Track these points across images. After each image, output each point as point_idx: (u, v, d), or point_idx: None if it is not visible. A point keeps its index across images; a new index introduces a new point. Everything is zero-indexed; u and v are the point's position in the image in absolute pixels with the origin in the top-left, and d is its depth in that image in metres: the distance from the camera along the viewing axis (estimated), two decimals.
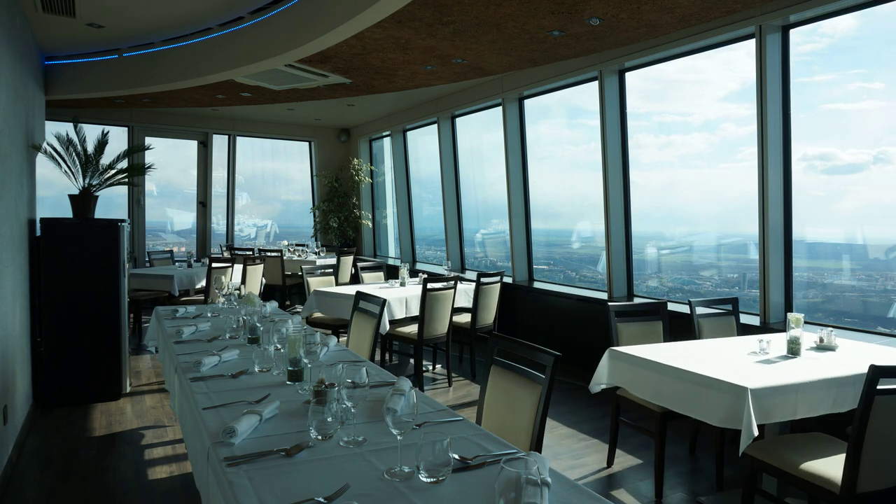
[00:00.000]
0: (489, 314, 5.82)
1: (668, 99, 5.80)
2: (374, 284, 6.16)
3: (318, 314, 5.76)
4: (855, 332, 4.01)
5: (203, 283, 6.99)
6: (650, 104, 5.84)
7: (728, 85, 5.32)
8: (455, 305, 5.45)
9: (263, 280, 7.28)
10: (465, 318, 5.84)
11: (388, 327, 5.18)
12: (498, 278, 5.82)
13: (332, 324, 5.65)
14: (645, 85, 5.75)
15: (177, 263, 8.02)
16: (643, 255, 5.90)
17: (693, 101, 5.62)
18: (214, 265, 6.55)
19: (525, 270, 7.04)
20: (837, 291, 4.53)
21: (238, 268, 6.98)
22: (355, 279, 7.12)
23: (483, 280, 5.61)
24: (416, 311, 5.35)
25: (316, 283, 6.30)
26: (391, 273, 7.66)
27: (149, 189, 9.55)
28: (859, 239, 4.44)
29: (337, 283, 6.95)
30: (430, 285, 5.04)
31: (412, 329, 5.22)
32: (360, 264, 6.71)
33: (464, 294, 5.94)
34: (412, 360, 6.07)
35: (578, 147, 6.88)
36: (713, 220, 5.51)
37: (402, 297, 5.39)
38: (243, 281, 6.80)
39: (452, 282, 5.26)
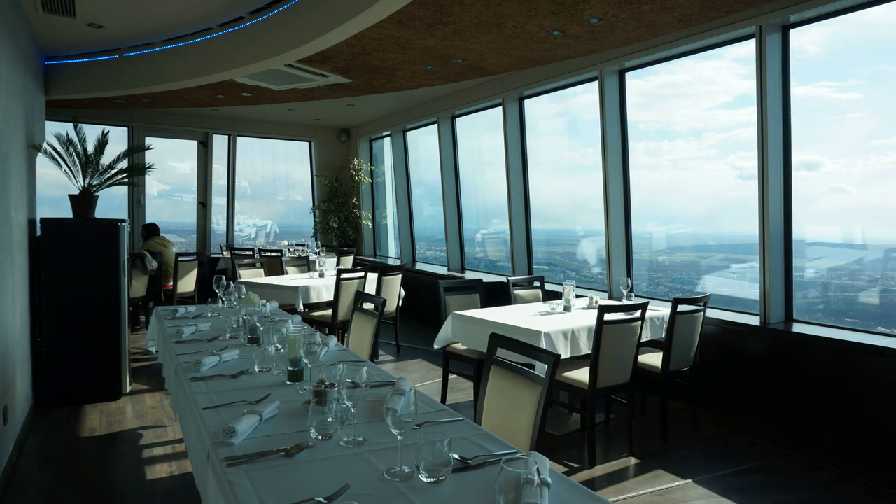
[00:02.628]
0: (688, 352, 4.21)
1: (653, 109, 5.81)
2: (527, 306, 4.80)
3: (457, 344, 4.55)
4: (855, 333, 4.01)
5: (331, 295, 6.02)
6: (639, 113, 5.83)
7: (721, 96, 5.33)
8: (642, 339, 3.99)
9: (402, 291, 6.73)
10: (651, 358, 4.26)
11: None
12: (700, 306, 4.19)
13: (477, 358, 4.38)
14: (640, 95, 5.77)
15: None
16: (641, 254, 5.90)
17: (681, 111, 5.63)
18: (345, 276, 5.87)
19: (525, 271, 7.03)
20: (838, 291, 4.53)
21: (372, 277, 6.32)
22: (491, 298, 5.79)
23: (684, 308, 4.07)
24: (584, 347, 4.00)
25: (456, 305, 5.02)
26: (550, 295, 5.52)
27: (149, 189, 9.55)
28: (859, 239, 4.45)
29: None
30: (607, 316, 3.64)
31: (581, 375, 3.80)
32: (512, 280, 5.34)
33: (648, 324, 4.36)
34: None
35: (577, 151, 6.89)
36: (707, 219, 5.52)
37: (565, 331, 3.93)
38: (378, 292, 6.20)
39: (637, 311, 3.77)
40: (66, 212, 4.84)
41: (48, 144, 4.84)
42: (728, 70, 5.28)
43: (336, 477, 1.58)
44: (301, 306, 5.83)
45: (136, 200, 9.29)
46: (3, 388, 3.47)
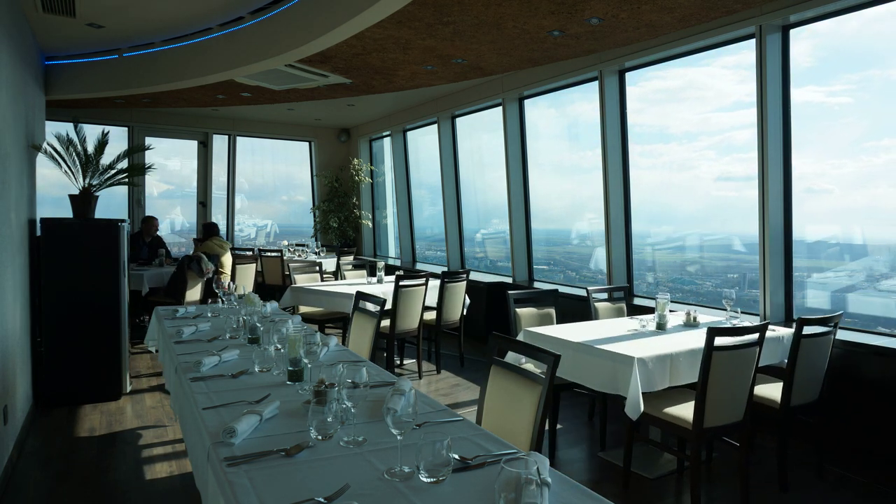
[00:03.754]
0: (814, 383, 3.52)
1: (647, 112, 5.82)
2: (611, 323, 4.13)
3: (529, 365, 3.88)
4: (855, 332, 4.02)
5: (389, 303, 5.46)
6: (633, 116, 5.83)
7: (720, 99, 5.34)
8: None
9: (467, 299, 6.14)
10: (766, 389, 3.55)
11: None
12: (831, 327, 3.49)
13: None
14: (637, 100, 5.77)
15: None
16: (642, 254, 5.91)
17: (675, 115, 5.64)
18: (404, 283, 5.38)
19: (525, 270, 7.04)
20: (837, 291, 4.54)
21: (434, 284, 5.77)
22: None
23: (812, 331, 3.37)
24: None
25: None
26: (636, 309, 5.03)
27: (149, 189, 9.55)
28: (859, 239, 4.45)
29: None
30: (718, 341, 2.97)
31: (683, 412, 3.14)
32: (593, 292, 4.69)
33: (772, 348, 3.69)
34: None
35: (576, 153, 6.89)
36: (704, 220, 5.53)
37: (662, 356, 3.26)
38: (441, 300, 5.70)
39: (755, 334, 3.07)
40: (66, 212, 4.84)
41: (48, 144, 4.84)
42: (721, 76, 5.30)
43: (336, 477, 1.58)
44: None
45: (137, 200, 9.29)
46: (3, 388, 3.46)
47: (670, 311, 4.05)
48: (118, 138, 8.99)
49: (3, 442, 3.38)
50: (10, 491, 3.29)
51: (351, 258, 9.02)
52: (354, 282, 6.24)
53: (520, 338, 3.72)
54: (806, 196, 4.47)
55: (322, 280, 6.77)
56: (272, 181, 11.14)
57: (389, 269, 7.45)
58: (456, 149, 8.23)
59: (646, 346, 3.32)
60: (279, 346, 2.82)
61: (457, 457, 1.68)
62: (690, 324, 3.95)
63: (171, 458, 3.71)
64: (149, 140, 9.06)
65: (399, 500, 1.47)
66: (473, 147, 8.23)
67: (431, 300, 5.72)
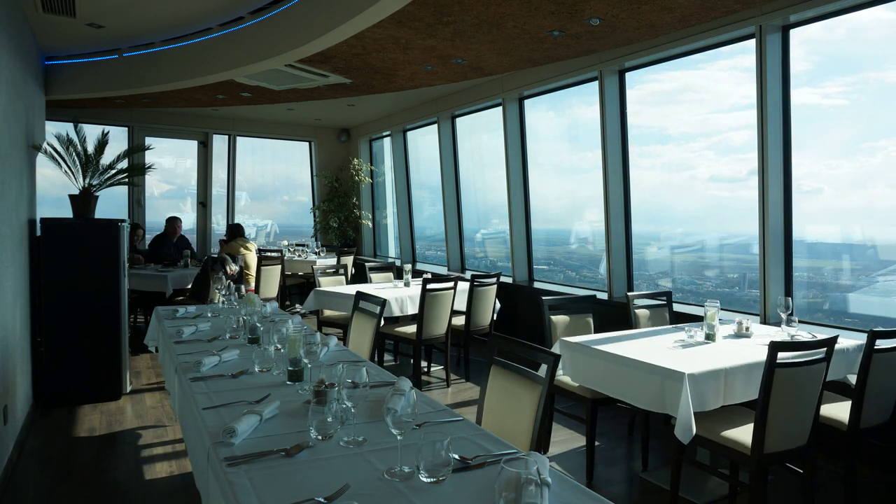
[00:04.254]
0: (886, 402, 3.18)
1: (643, 115, 5.84)
2: (654, 333, 3.82)
3: (565, 377, 3.63)
4: (854, 332, 4.01)
5: (416, 308, 5.25)
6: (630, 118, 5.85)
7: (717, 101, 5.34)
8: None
9: (497, 304, 5.86)
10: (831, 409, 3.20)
11: None
12: None
13: (591, 398, 3.67)
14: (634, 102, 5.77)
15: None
16: (642, 254, 5.91)
17: (672, 117, 5.66)
18: (432, 287, 5.06)
19: (525, 270, 7.04)
20: (837, 291, 4.54)
21: (463, 287, 5.47)
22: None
23: (886, 344, 3.04)
24: None
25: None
26: (679, 317, 4.60)
27: (149, 189, 9.55)
28: (859, 239, 4.45)
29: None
30: (781, 356, 2.67)
31: (740, 435, 2.85)
32: (633, 297, 4.32)
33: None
34: None
35: (576, 155, 6.89)
36: (708, 221, 5.54)
37: (715, 371, 2.94)
38: (470, 304, 5.43)
39: (822, 349, 2.78)
40: (66, 212, 4.84)
41: (48, 144, 4.84)
42: (717, 79, 5.31)
43: (336, 477, 1.58)
44: (381, 319, 5.32)
45: (137, 200, 9.29)
46: (3, 388, 3.46)
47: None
48: (118, 138, 8.99)
49: (3, 442, 3.38)
50: (10, 491, 3.29)
51: (350, 258, 9.03)
52: (381, 285, 6.03)
53: (555, 349, 3.45)
54: (803, 197, 4.48)
55: (347, 283, 6.49)
56: (272, 181, 11.14)
57: (414, 272, 7.10)
58: (456, 149, 8.23)
59: (696, 359, 3.01)
60: (279, 346, 2.82)
61: (457, 457, 1.68)
62: (742, 334, 3.62)
63: (171, 458, 3.71)
64: (149, 140, 9.06)
65: (399, 500, 1.47)
66: (473, 147, 8.23)
67: (459, 304, 5.45)
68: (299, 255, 9.04)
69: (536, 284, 6.71)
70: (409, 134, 9.45)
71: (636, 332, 3.80)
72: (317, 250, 9.42)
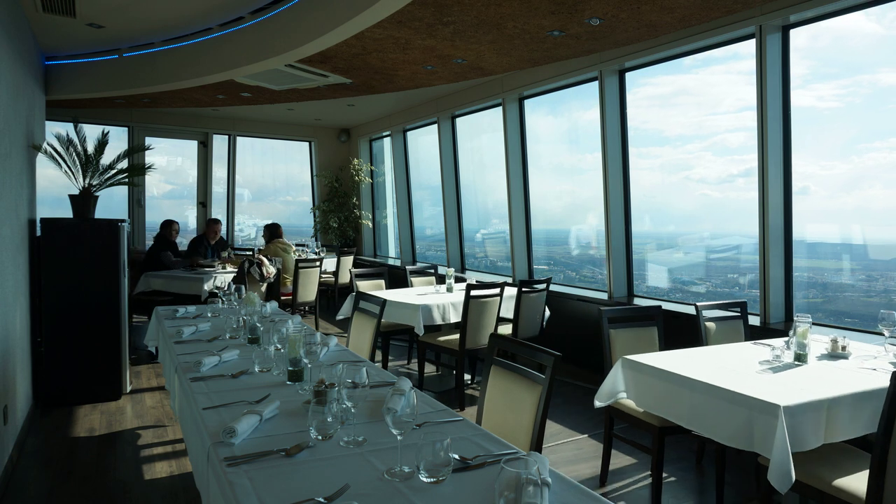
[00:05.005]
0: None
1: (639, 118, 5.86)
2: (729, 351, 3.30)
3: (627, 400, 3.16)
4: (855, 333, 4.01)
5: (459, 315, 4.85)
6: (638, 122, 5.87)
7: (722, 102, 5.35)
8: None
9: (547, 311, 5.46)
10: None
11: None
12: None
13: (658, 426, 3.17)
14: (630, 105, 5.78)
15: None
16: (641, 254, 5.91)
17: (671, 119, 5.68)
18: (476, 294, 4.67)
19: (525, 270, 7.04)
20: (838, 291, 4.54)
21: (510, 293, 5.12)
22: None
23: None
24: None
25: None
26: (755, 332, 4.27)
27: (149, 189, 9.55)
28: (859, 239, 4.45)
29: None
30: None
31: (853, 483, 2.34)
32: (703, 309, 3.79)
33: None
34: None
35: (576, 156, 6.90)
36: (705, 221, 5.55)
37: (817, 403, 2.48)
38: (517, 312, 4.98)
39: None
40: (66, 212, 4.84)
41: (48, 144, 4.84)
42: (714, 83, 5.33)
43: (336, 477, 1.58)
44: (421, 328, 4.70)
45: (137, 200, 9.29)
46: (3, 388, 3.47)
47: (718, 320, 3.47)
48: (118, 138, 8.99)
49: (3, 442, 3.38)
50: (10, 491, 3.29)
51: (350, 258, 9.03)
52: (422, 290, 5.66)
53: (616, 368, 3.06)
54: (798, 197, 4.50)
55: (387, 287, 6.04)
56: (272, 181, 11.14)
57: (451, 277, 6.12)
58: (456, 149, 8.23)
59: (790, 387, 2.54)
60: (279, 346, 2.82)
61: (457, 457, 1.68)
62: (837, 354, 3.08)
63: (171, 458, 3.71)
64: (149, 140, 9.06)
65: (399, 500, 1.47)
66: (473, 147, 8.23)
67: (506, 311, 5.09)
68: (299, 256, 9.05)
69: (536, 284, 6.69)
70: (409, 134, 9.45)
71: (709, 350, 3.26)
72: (317, 250, 9.42)
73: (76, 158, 4.82)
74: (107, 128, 5.14)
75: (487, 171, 8.06)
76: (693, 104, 5.57)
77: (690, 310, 4.45)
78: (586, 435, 4.20)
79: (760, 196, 4.41)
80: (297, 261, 7.06)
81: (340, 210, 10.21)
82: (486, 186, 8.18)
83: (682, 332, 4.33)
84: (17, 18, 4.73)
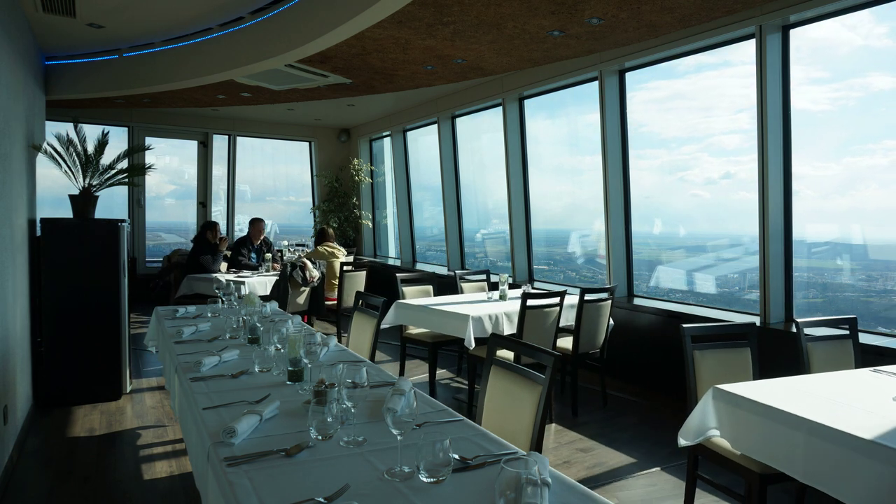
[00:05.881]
0: None
1: (636, 119, 5.88)
2: (842, 381, 2.68)
3: (721, 439, 2.60)
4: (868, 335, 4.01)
5: (514, 327, 4.42)
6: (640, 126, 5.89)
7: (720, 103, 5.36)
8: None
9: (611, 321, 4.86)
10: None
11: None
12: None
13: (759, 472, 2.53)
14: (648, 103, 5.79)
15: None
16: (641, 254, 5.91)
17: (668, 121, 5.70)
18: (534, 303, 4.25)
19: (525, 270, 7.04)
20: (837, 291, 4.54)
21: (570, 301, 4.66)
22: None
23: None
24: None
25: None
26: (868, 355, 3.52)
27: (149, 189, 9.55)
28: (858, 239, 4.46)
29: None
30: None
31: None
32: (803, 325, 3.23)
33: None
34: None
35: (577, 157, 6.90)
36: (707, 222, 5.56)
37: None
38: (579, 321, 4.47)
39: None
40: (66, 212, 4.84)
41: (48, 144, 4.84)
42: (711, 86, 5.37)
43: (336, 477, 1.58)
44: (472, 341, 4.23)
45: (136, 200, 9.29)
46: (3, 388, 3.46)
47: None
48: (118, 138, 8.99)
49: (3, 442, 3.38)
50: (10, 491, 3.29)
51: (350, 258, 9.02)
52: (472, 298, 5.16)
53: (706, 399, 2.53)
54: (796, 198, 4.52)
55: (435, 294, 5.55)
56: (272, 181, 11.15)
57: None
58: (456, 149, 8.23)
59: None
60: (279, 346, 2.82)
61: (457, 457, 1.68)
62: None
63: (171, 458, 3.71)
64: (149, 140, 9.06)
65: (399, 500, 1.47)
66: (473, 147, 8.24)
67: (565, 321, 4.68)
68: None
69: (537, 284, 6.70)
70: (409, 134, 9.45)
71: (819, 379, 2.70)
72: None
73: (76, 158, 4.82)
74: (107, 128, 5.14)
75: (487, 171, 8.06)
76: (685, 108, 5.62)
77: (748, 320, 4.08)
78: (658, 468, 3.63)
79: (760, 196, 4.41)
80: (342, 265, 6.83)
81: (340, 210, 10.21)
82: (486, 186, 8.18)
83: (774, 350, 3.85)
84: (17, 18, 4.74)
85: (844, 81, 4.48)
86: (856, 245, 4.46)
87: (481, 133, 8.10)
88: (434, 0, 4.13)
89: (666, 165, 5.80)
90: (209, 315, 3.96)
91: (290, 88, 7.10)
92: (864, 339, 3.54)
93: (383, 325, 4.67)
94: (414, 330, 5.10)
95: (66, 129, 4.85)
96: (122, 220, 4.89)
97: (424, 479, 1.55)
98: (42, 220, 4.67)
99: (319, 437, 1.81)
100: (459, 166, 8.24)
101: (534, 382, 2.22)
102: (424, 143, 9.31)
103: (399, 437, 1.67)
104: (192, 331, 3.42)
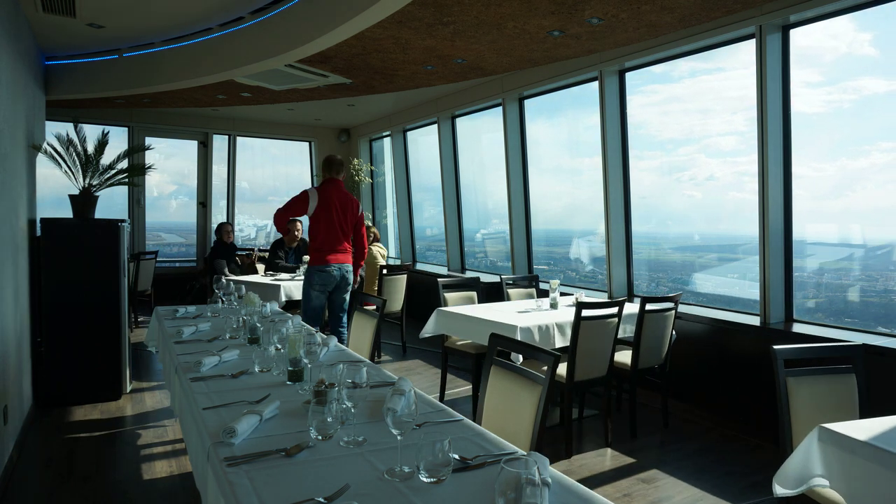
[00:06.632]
0: None
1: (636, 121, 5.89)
2: None
3: (825, 488, 2.11)
4: (855, 333, 4.02)
5: (566, 339, 4.02)
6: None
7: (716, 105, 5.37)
8: None
9: (674, 333, 4.42)
10: None
11: None
12: None
13: None
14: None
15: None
16: (640, 254, 5.91)
17: (666, 123, 5.70)
18: (589, 314, 3.82)
19: (525, 270, 7.03)
20: (837, 291, 4.54)
21: (630, 309, 4.33)
22: None
23: None
24: None
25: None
26: None
27: (149, 189, 9.55)
28: (858, 239, 4.46)
29: None
30: None
31: None
32: None
33: None
34: None
35: (577, 158, 6.90)
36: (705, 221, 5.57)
37: None
38: (639, 332, 4.07)
39: None
40: (66, 212, 4.84)
41: (48, 144, 4.84)
42: (709, 89, 5.38)
43: (336, 477, 1.58)
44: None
45: (136, 200, 9.29)
46: (3, 388, 3.46)
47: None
48: (118, 138, 8.99)
49: (3, 442, 3.38)
50: (10, 491, 3.29)
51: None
52: (519, 306, 4.70)
53: (810, 441, 2.06)
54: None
55: (478, 301, 5.15)
56: (272, 181, 11.15)
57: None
58: (456, 149, 8.23)
59: None
60: (279, 346, 2.82)
61: (457, 457, 1.68)
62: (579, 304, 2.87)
63: (171, 458, 3.71)
64: (149, 140, 9.06)
65: (399, 500, 1.47)
66: (473, 148, 8.23)
67: (622, 332, 4.23)
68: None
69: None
70: (409, 134, 9.45)
71: None
72: None
73: (76, 158, 4.82)
74: (107, 128, 5.14)
75: (487, 171, 8.06)
76: (681, 111, 5.63)
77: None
78: None
79: (760, 196, 4.41)
80: (382, 268, 6.53)
81: None
82: (486, 186, 8.18)
83: (881, 372, 3.44)
84: (17, 18, 4.74)
85: (837, 85, 4.51)
86: (855, 245, 4.46)
87: (481, 133, 8.10)
88: (434, 0, 4.13)
89: (664, 166, 5.80)
90: (209, 315, 3.96)
91: (290, 88, 7.10)
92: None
93: (424, 335, 4.57)
94: (457, 340, 4.70)
95: (66, 129, 4.86)
96: (122, 220, 4.89)
97: (424, 479, 1.55)
98: (42, 220, 4.67)
99: (319, 437, 1.81)
100: (459, 166, 8.23)
101: (534, 382, 2.22)
102: (424, 143, 9.31)
103: (399, 437, 1.67)
104: (192, 331, 3.41)
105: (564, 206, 7.07)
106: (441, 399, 4.77)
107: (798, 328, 4.25)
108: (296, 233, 7.15)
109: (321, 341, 2.90)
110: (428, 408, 2.16)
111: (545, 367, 2.20)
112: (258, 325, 3.16)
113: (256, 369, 2.63)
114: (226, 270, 6.98)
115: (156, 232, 9.97)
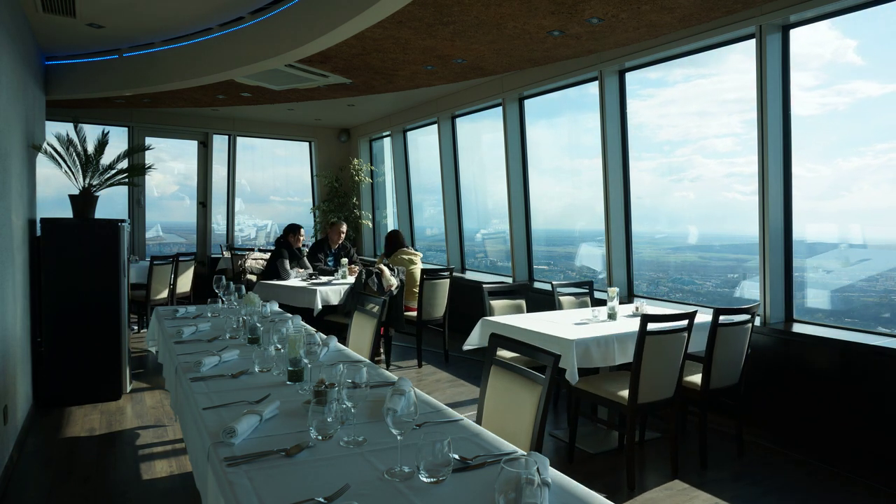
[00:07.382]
0: None
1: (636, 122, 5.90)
2: None
3: None
4: (854, 333, 4.02)
5: (627, 355, 3.65)
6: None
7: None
8: None
9: (749, 350, 3.90)
10: None
11: None
12: None
13: None
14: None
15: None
16: (641, 254, 5.91)
17: (665, 124, 5.71)
18: (655, 327, 3.38)
19: (525, 270, 7.04)
20: (837, 291, 4.54)
21: (702, 321, 3.72)
22: None
23: None
24: None
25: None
26: None
27: (149, 189, 9.55)
28: (858, 239, 4.46)
29: None
30: None
31: None
32: None
33: None
34: None
35: (577, 159, 6.90)
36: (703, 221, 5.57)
37: None
38: (711, 347, 3.62)
39: None
40: (66, 212, 4.84)
41: (48, 144, 4.84)
42: (708, 92, 5.39)
43: (336, 477, 1.58)
44: (575, 374, 3.46)
45: (136, 200, 9.29)
46: (3, 388, 3.47)
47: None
48: (118, 138, 8.99)
49: (3, 442, 3.38)
50: (10, 491, 3.29)
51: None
52: (573, 316, 4.26)
53: None
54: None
55: (527, 311, 4.77)
56: (272, 181, 11.15)
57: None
58: (456, 149, 8.23)
59: None
60: (279, 347, 2.82)
61: (457, 457, 1.68)
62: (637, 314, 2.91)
63: (171, 458, 3.71)
64: (149, 140, 9.06)
65: (399, 500, 1.47)
66: (473, 147, 8.23)
67: (697, 346, 3.77)
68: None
69: (536, 284, 6.70)
70: (409, 134, 9.45)
71: None
72: None
73: (76, 158, 4.82)
74: (107, 128, 5.14)
75: (487, 171, 8.06)
76: (678, 114, 5.64)
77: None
78: None
79: (760, 196, 4.41)
80: (423, 272, 6.19)
81: (340, 210, 10.21)
82: (486, 187, 8.18)
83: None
84: (17, 18, 4.73)
85: (831, 87, 4.52)
86: (856, 245, 4.47)
87: (481, 133, 8.10)
88: (434, 0, 4.13)
89: (662, 167, 5.80)
90: (209, 315, 3.96)
91: (290, 88, 7.10)
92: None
93: (467, 346, 4.22)
94: (505, 353, 4.26)
95: (67, 129, 4.86)
96: (122, 220, 4.89)
97: (424, 479, 1.55)
98: (42, 220, 4.67)
99: (319, 437, 1.81)
100: (459, 166, 8.23)
101: (534, 382, 2.22)
102: (424, 143, 9.31)
103: (399, 437, 1.67)
104: (192, 331, 3.41)
105: (564, 206, 7.07)
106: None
107: (798, 328, 4.24)
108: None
109: (321, 341, 2.90)
110: (428, 408, 2.16)
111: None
112: (258, 325, 3.16)
113: (256, 369, 2.63)
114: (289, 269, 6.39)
115: (155, 231, 9.97)
